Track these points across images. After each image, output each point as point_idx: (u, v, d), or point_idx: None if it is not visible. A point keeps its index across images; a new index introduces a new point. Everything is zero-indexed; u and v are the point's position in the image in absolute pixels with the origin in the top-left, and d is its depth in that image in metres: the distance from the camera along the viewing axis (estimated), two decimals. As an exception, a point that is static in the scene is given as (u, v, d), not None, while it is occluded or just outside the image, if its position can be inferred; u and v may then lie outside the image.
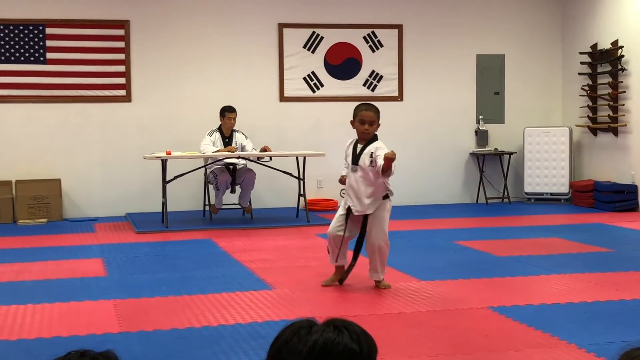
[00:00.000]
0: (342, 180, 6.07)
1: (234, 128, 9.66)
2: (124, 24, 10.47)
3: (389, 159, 5.45)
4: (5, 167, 10.17)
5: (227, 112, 9.56)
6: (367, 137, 5.76)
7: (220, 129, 9.61)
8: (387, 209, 5.81)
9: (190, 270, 6.66)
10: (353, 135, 11.56)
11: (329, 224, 9.39)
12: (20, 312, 5.23)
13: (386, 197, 5.78)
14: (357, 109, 5.84)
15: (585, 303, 5.32)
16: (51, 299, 5.59)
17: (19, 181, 10.07)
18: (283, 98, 11.02)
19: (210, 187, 9.84)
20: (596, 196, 10.66)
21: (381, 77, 11.29)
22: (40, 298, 5.61)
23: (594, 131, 11.19)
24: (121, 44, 10.47)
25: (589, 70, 11.21)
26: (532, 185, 11.50)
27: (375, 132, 5.78)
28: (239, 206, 9.94)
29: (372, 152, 5.66)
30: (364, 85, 11.23)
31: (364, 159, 5.71)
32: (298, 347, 1.59)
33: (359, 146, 5.80)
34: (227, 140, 9.59)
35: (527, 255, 7.18)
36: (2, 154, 10.20)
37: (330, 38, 11.10)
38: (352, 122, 5.86)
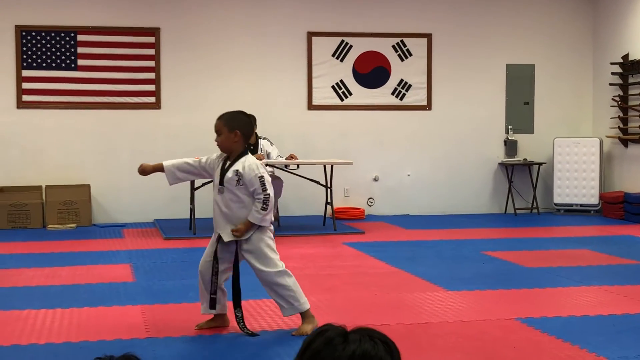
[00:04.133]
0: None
1: (259, 135, 9.68)
2: (154, 32, 10.55)
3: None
4: (35, 173, 10.27)
5: None
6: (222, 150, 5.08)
7: (244, 137, 9.65)
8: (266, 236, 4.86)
9: (217, 277, 6.66)
10: (379, 143, 11.55)
11: (356, 232, 9.49)
12: (49, 316, 5.27)
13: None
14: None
15: (615, 315, 5.26)
16: (79, 303, 5.62)
17: (49, 186, 10.17)
18: (311, 106, 11.03)
19: (238, 194, 9.85)
20: (626, 208, 10.55)
21: (410, 86, 11.27)
22: (69, 302, 5.65)
23: (624, 142, 11.09)
24: (151, 52, 10.55)
25: (620, 81, 11.11)
26: (561, 196, 11.40)
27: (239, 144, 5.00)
28: (266, 214, 9.94)
29: (238, 170, 4.93)
30: (393, 94, 11.22)
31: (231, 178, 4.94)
32: (334, 356, 1.58)
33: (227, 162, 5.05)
34: (252, 147, 9.62)
35: (556, 266, 7.11)
36: (33, 159, 10.31)
37: (359, 47, 11.10)
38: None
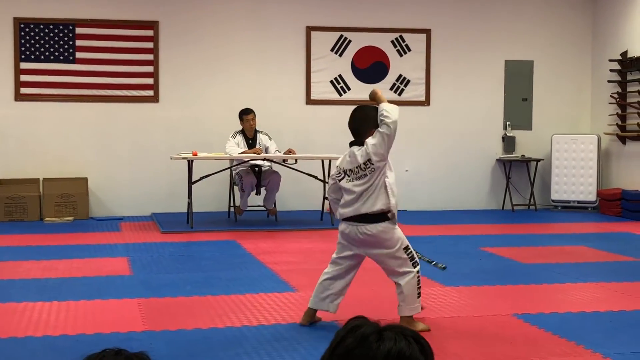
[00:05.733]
0: None
1: (258, 129, 9.67)
2: (153, 25, 10.53)
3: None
4: (33, 165, 10.26)
5: (245, 114, 9.58)
6: None
7: (243, 131, 9.63)
8: None
9: (214, 271, 6.67)
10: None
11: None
12: (45, 309, 5.26)
13: None
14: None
15: (612, 312, 5.26)
16: (76, 296, 5.62)
17: (46, 179, 10.16)
18: (310, 101, 11.03)
19: (236, 188, 9.86)
20: (624, 205, 10.56)
21: (408, 81, 11.26)
22: (66, 295, 5.65)
23: (622, 139, 11.09)
24: (150, 45, 10.53)
25: (619, 78, 11.11)
26: (559, 192, 11.41)
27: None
28: (263, 208, 9.96)
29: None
30: (391, 89, 11.21)
31: None
32: (369, 355, 1.54)
33: None
34: (251, 141, 9.61)
35: (554, 263, 7.12)
36: (31, 152, 10.29)
37: (358, 41, 11.09)
38: (372, 132, 4.87)
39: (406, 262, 4.75)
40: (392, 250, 4.73)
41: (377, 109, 4.94)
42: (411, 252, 4.76)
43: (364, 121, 4.92)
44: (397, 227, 4.81)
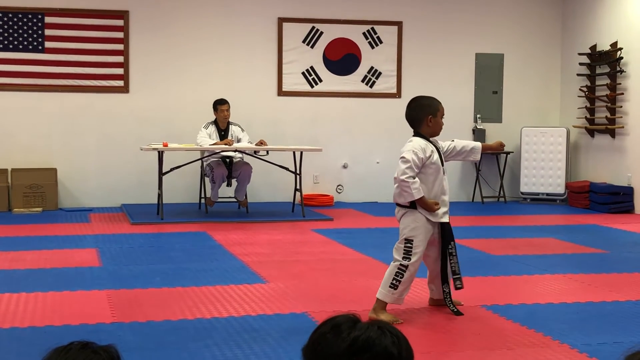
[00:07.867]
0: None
1: (230, 121, 9.65)
2: (123, 15, 10.45)
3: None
4: (1, 156, 10.15)
5: (219, 104, 9.56)
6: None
7: (215, 122, 9.60)
8: None
9: (184, 263, 6.65)
10: (349, 131, 11.53)
11: (324, 219, 9.49)
12: (13, 300, 5.22)
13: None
14: (436, 103, 5.14)
15: (579, 303, 5.32)
16: (45, 288, 5.58)
17: (14, 170, 10.06)
18: (281, 92, 11.01)
19: (207, 179, 9.83)
20: (592, 197, 10.67)
21: (380, 73, 11.28)
22: (34, 287, 5.60)
23: (591, 132, 11.20)
24: (120, 35, 10.46)
25: (588, 72, 11.21)
26: (528, 185, 11.50)
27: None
28: (234, 199, 9.94)
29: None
30: (363, 81, 11.23)
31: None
32: (338, 340, 1.58)
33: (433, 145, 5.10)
34: (223, 133, 9.58)
35: (522, 254, 7.18)
36: (-1, 142, 10.19)
37: (330, 33, 11.09)
38: (429, 119, 5.08)
39: (400, 251, 4.87)
40: (400, 233, 4.92)
41: (429, 98, 5.22)
42: (410, 246, 4.83)
43: (417, 111, 5.16)
44: (414, 215, 4.87)
